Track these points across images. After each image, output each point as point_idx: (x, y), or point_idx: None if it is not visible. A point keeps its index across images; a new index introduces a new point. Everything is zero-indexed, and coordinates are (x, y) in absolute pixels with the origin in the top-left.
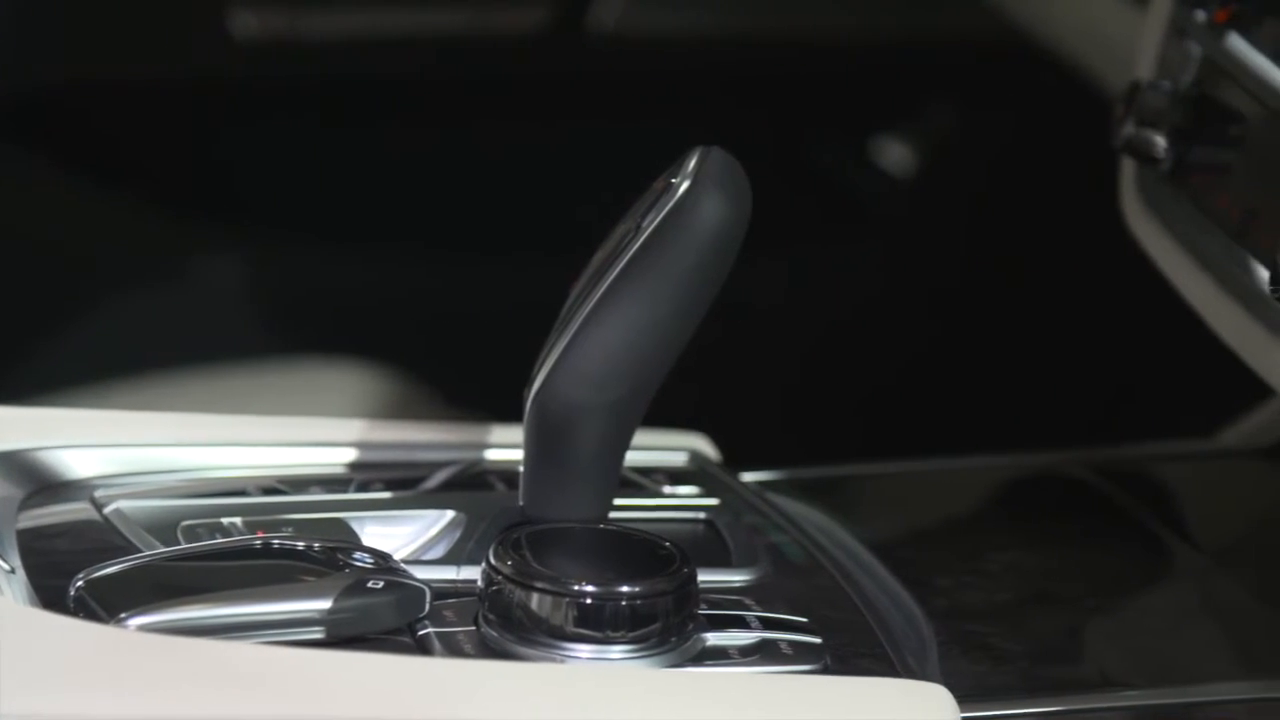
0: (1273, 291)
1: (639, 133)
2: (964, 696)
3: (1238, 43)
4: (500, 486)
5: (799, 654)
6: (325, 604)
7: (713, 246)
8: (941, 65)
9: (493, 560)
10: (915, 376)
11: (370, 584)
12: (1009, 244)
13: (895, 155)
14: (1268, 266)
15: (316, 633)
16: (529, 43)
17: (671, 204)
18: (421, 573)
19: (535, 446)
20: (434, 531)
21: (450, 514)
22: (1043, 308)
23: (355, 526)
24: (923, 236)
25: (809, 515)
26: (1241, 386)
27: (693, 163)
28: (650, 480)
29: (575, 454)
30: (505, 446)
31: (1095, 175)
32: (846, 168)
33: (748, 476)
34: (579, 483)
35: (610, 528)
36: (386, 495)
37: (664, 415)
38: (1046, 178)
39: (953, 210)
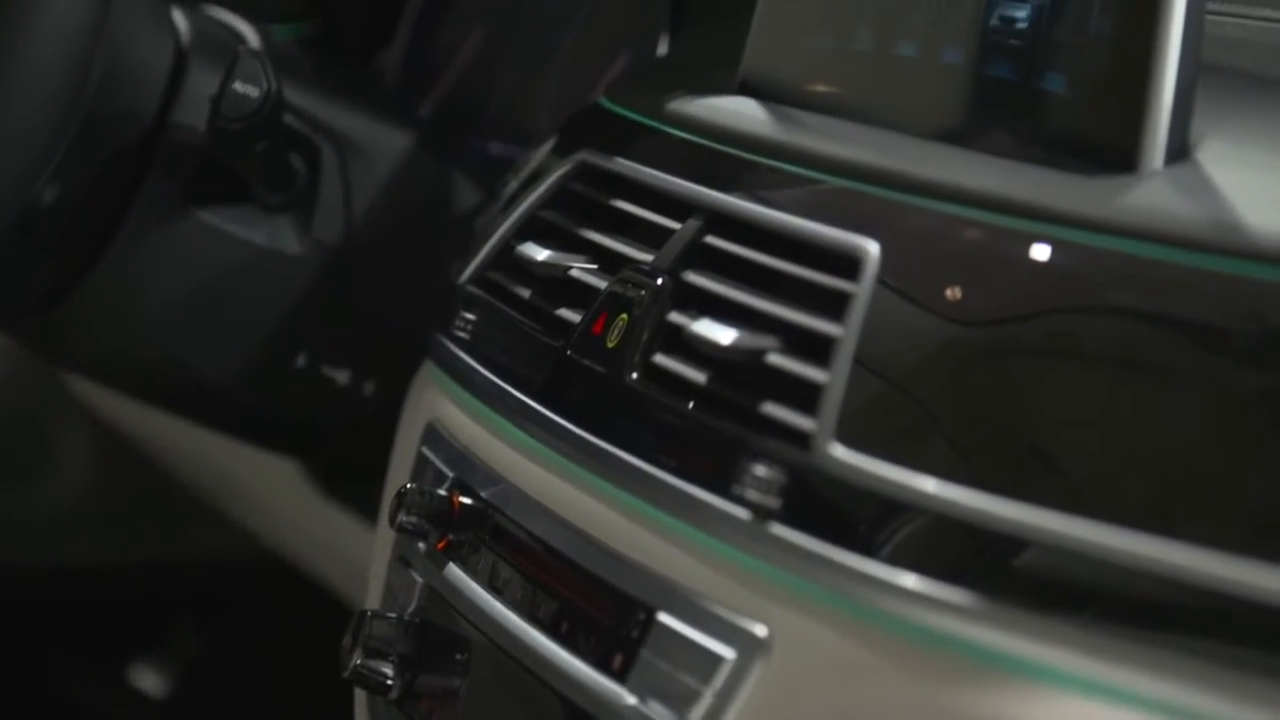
0: None
1: None
2: None
3: (456, 572)
4: None
5: None
6: None
7: None
8: (191, 583)
9: None
10: None
11: None
12: None
13: (148, 678)
14: None
15: None
16: None
17: None
18: None
19: None
20: None
21: None
22: None
23: None
24: None
25: None
26: None
27: None
28: None
29: None
30: None
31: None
32: (96, 691)
33: None
34: None
35: None
36: None
37: None
38: (302, 700)
39: None
